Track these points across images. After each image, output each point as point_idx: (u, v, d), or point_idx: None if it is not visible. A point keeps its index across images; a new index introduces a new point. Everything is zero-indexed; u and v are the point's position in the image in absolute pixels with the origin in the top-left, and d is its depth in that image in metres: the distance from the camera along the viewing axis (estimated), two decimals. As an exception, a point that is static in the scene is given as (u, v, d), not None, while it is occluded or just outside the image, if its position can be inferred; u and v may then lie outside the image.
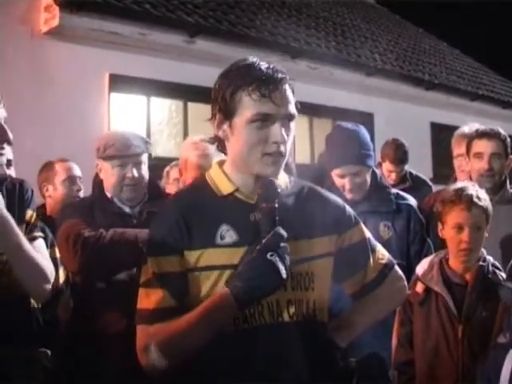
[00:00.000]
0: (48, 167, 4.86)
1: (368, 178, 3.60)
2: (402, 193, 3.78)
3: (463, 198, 3.24)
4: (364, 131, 3.64)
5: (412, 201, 3.73)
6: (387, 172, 6.11)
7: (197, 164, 3.66)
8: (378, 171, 3.76)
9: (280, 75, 2.03)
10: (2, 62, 6.35)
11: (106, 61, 7.16)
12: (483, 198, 3.27)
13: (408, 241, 3.61)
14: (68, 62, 6.85)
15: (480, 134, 3.89)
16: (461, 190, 3.28)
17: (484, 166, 3.82)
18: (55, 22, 6.60)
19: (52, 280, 2.83)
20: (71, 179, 4.78)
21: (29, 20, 6.70)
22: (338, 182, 3.56)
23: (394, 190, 3.74)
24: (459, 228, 3.25)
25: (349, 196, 3.51)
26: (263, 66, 2.04)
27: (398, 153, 6.11)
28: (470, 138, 3.97)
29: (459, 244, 3.24)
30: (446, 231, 3.33)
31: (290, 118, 2.05)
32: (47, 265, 2.78)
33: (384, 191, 3.68)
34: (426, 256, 3.53)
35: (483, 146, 3.85)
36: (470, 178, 3.92)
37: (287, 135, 2.03)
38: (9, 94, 6.16)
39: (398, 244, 3.55)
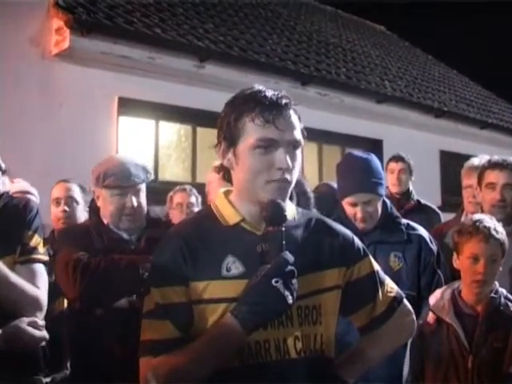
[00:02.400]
0: None
1: (379, 207, 3.57)
2: (412, 223, 3.74)
3: (481, 230, 3.22)
4: (375, 160, 3.62)
5: (423, 231, 3.69)
6: (390, 174, 6.16)
7: (220, 187, 3.62)
8: (388, 201, 3.72)
9: (284, 101, 1.98)
10: (13, 82, 6.38)
11: (115, 84, 7.18)
12: (500, 231, 3.25)
13: (419, 272, 3.57)
14: (77, 84, 6.86)
15: (492, 165, 3.86)
16: (479, 222, 3.26)
17: (496, 197, 3.78)
18: (65, 45, 6.63)
19: (44, 307, 2.79)
20: None
21: (40, 42, 6.72)
22: (349, 210, 3.53)
23: (404, 221, 3.70)
24: (475, 259, 3.22)
25: (360, 225, 3.49)
26: (268, 92, 2.00)
27: (396, 154, 6.37)
28: (482, 169, 3.94)
29: (474, 275, 3.22)
30: (461, 262, 3.30)
31: (295, 144, 2.00)
32: (36, 292, 2.73)
33: (395, 221, 3.64)
34: (436, 287, 3.50)
35: (495, 177, 3.81)
36: (482, 209, 3.88)
37: (293, 162, 1.98)
38: (19, 115, 6.25)
39: (409, 275, 3.52)
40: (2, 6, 6.42)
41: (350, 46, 12.84)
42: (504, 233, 3.28)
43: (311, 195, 3.84)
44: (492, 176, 3.83)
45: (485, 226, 3.21)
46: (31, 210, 2.88)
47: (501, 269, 3.29)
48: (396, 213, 3.73)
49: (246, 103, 1.97)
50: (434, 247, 3.63)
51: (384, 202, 3.64)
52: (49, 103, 6.66)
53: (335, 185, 4.15)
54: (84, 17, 6.62)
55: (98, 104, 7.03)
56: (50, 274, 3.90)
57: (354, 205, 3.50)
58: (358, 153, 3.70)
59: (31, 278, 2.77)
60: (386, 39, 16.27)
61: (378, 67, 12.16)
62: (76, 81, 6.87)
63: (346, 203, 3.55)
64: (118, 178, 3.20)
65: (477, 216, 3.39)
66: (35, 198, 4.08)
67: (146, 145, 7.75)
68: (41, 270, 2.85)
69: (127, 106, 7.35)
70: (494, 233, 3.20)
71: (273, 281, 1.83)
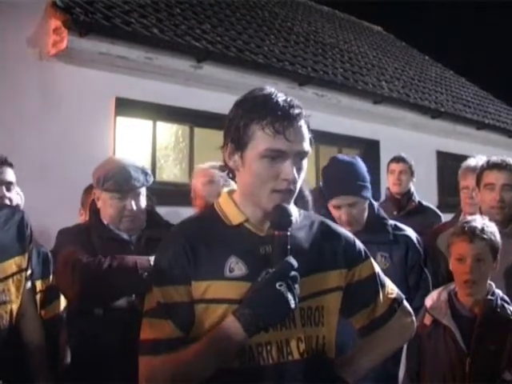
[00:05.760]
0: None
1: (365, 209, 3.62)
2: (399, 224, 3.80)
3: (466, 230, 3.28)
4: (361, 163, 3.66)
5: (410, 232, 3.75)
6: (391, 175, 6.22)
7: (202, 191, 3.66)
8: (375, 203, 3.77)
9: (296, 111, 1.97)
10: (11, 83, 6.36)
11: (112, 84, 7.16)
12: (489, 231, 3.28)
13: (406, 272, 3.61)
14: (75, 84, 6.84)
15: (491, 165, 3.87)
16: (466, 223, 3.34)
17: (495, 197, 3.80)
18: (63, 45, 6.58)
19: None
20: None
21: (38, 42, 6.69)
22: (334, 213, 3.56)
23: (391, 222, 3.76)
24: (461, 260, 3.28)
25: (345, 228, 3.48)
26: (280, 98, 1.98)
27: (397, 155, 6.46)
28: (481, 169, 3.95)
29: (461, 275, 3.28)
30: (452, 263, 3.37)
31: (303, 155, 2.00)
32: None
33: (381, 222, 3.70)
34: (425, 287, 3.55)
35: (494, 177, 3.83)
36: (480, 210, 3.90)
37: (298, 172, 1.98)
38: (16, 115, 6.24)
39: (396, 275, 3.52)
40: (-1, 6, 6.42)
41: (347, 47, 12.84)
42: (495, 232, 3.30)
43: (309, 198, 3.87)
44: (491, 177, 3.85)
45: (470, 227, 3.27)
46: (27, 223, 3.26)
47: (498, 268, 3.32)
48: (383, 214, 3.78)
49: (257, 110, 1.96)
50: (420, 248, 3.68)
51: (371, 204, 3.67)
52: (46, 103, 6.64)
53: None
54: (82, 17, 6.58)
55: (95, 104, 7.00)
56: (48, 275, 3.94)
57: (339, 207, 3.53)
58: (342, 156, 3.75)
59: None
60: (383, 40, 16.27)
61: (375, 68, 12.16)
62: (73, 81, 6.85)
63: (331, 206, 3.59)
64: (118, 182, 3.21)
65: (469, 218, 3.44)
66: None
67: (144, 145, 7.74)
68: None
69: (125, 106, 7.32)
70: (478, 232, 3.24)
71: (277, 284, 1.84)
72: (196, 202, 3.86)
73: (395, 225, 3.74)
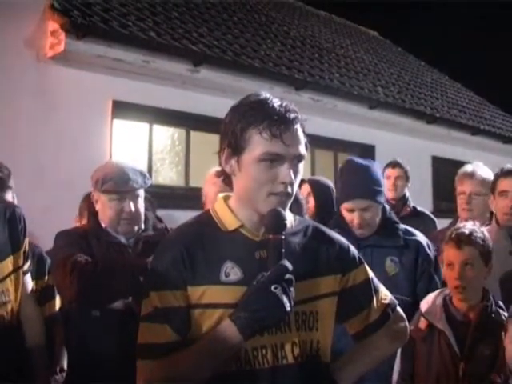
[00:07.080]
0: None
1: (377, 214, 3.60)
2: (410, 229, 3.76)
3: (454, 236, 3.31)
4: (375, 167, 3.65)
5: (421, 237, 3.71)
6: (386, 180, 6.20)
7: (214, 200, 3.66)
8: (387, 206, 3.75)
9: (292, 115, 1.99)
10: (8, 85, 6.36)
11: (109, 87, 7.16)
12: (478, 236, 3.30)
13: (415, 277, 3.59)
14: (72, 87, 6.85)
15: (505, 173, 3.95)
16: (456, 229, 3.38)
17: (509, 204, 3.85)
18: (61, 48, 6.59)
19: None
20: None
21: (35, 44, 6.69)
22: (347, 216, 3.56)
23: (402, 226, 3.72)
24: (450, 265, 3.30)
25: (357, 232, 3.52)
26: (276, 103, 2.00)
27: (393, 160, 6.40)
28: (496, 177, 4.03)
29: (451, 281, 3.30)
30: (444, 270, 3.38)
31: (299, 158, 2.02)
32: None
33: (392, 226, 3.67)
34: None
35: (508, 184, 3.90)
36: (496, 217, 3.95)
37: (295, 176, 2.00)
38: (14, 117, 6.24)
39: (405, 280, 3.53)
40: (-3, 8, 6.42)
41: (344, 52, 12.87)
42: (486, 238, 3.34)
43: (303, 202, 3.88)
44: (505, 184, 3.92)
45: (458, 233, 3.31)
46: (21, 216, 3.24)
47: (490, 273, 3.35)
48: (394, 218, 3.75)
49: (254, 114, 1.97)
50: (431, 253, 3.65)
51: (383, 208, 3.66)
52: (43, 106, 6.64)
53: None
54: (79, 20, 6.60)
55: (92, 107, 7.01)
56: (43, 275, 3.95)
57: (351, 211, 3.53)
58: (358, 159, 3.73)
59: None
60: (380, 45, 16.31)
61: (371, 73, 12.19)
62: (71, 84, 6.86)
63: (343, 208, 3.59)
64: (117, 183, 3.24)
65: (460, 224, 3.48)
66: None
67: (140, 148, 7.74)
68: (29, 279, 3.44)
69: (121, 109, 7.34)
70: (466, 239, 3.27)
71: (272, 287, 1.85)
72: (206, 208, 3.86)
73: (406, 229, 3.71)
